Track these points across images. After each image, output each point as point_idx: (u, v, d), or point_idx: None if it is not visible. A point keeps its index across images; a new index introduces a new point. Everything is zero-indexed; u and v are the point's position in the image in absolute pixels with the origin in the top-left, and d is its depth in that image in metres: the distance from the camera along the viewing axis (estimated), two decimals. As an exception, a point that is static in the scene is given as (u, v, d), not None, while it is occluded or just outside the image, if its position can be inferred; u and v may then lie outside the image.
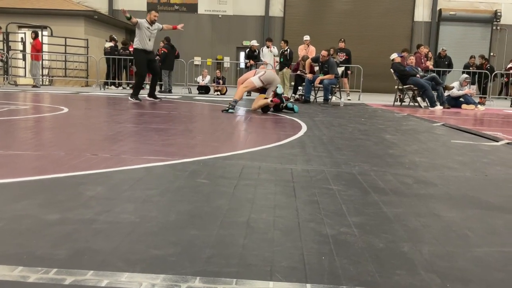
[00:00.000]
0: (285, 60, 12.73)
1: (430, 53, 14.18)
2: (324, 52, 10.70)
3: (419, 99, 11.15)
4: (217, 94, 14.39)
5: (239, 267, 1.38)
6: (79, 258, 1.41)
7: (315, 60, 11.12)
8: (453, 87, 11.27)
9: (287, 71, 12.77)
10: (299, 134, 4.75)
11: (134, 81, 10.94)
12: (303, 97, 11.12)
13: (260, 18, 21.75)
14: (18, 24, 17.21)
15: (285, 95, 8.76)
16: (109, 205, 1.97)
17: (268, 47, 13.18)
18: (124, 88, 15.86)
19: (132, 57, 11.58)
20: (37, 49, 15.26)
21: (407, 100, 11.68)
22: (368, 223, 1.87)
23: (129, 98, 9.34)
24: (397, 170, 3.03)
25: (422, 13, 21.33)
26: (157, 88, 11.94)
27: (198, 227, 1.73)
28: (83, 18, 17.80)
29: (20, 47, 17.36)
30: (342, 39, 13.87)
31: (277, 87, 7.56)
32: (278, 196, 2.24)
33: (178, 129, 4.77)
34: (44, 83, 16.72)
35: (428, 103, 10.68)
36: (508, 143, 4.56)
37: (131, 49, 13.90)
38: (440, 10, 21.04)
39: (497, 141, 4.68)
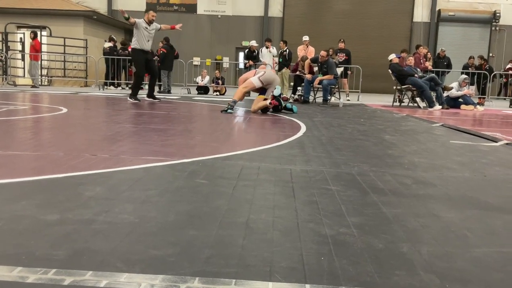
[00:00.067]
0: (284, 61, 12.73)
1: (429, 53, 14.19)
2: (323, 53, 10.71)
3: (418, 99, 11.16)
4: (216, 95, 14.39)
5: (238, 268, 1.38)
6: (78, 258, 1.40)
7: (314, 60, 11.12)
8: (452, 88, 11.28)
9: (286, 71, 12.78)
10: (298, 134, 4.75)
11: (132, 82, 10.94)
12: (302, 98, 11.13)
13: (259, 19, 21.76)
14: (17, 24, 17.20)
15: (284, 95, 8.76)
16: (108, 205, 1.97)
17: (267, 47, 13.19)
18: (123, 88, 15.85)
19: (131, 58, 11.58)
20: (36, 49, 15.25)
21: (406, 100, 11.70)
22: (367, 223, 1.87)
23: (128, 98, 9.34)
24: (396, 170, 3.03)
25: (421, 14, 21.34)
26: (156, 88, 11.94)
27: (197, 228, 1.73)
28: (82, 18, 17.79)
29: (19, 47, 17.35)
30: (342, 40, 13.88)
31: (274, 88, 7.56)
32: (277, 197, 2.24)
33: (177, 130, 4.77)
34: (43, 83, 16.72)
35: (427, 104, 10.70)
36: (507, 144, 4.56)
37: (130, 49, 13.90)
38: (439, 10, 21.06)
39: (496, 142, 4.68)
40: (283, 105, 7.64)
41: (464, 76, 11.56)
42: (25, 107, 7.34)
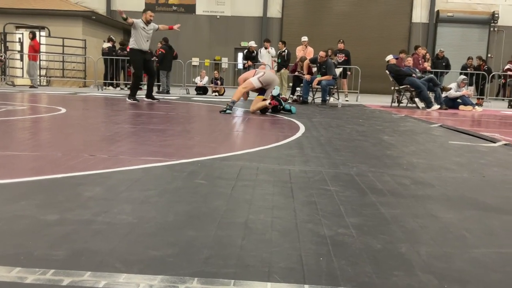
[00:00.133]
0: (283, 61, 12.74)
1: (427, 54, 14.21)
2: (322, 53, 10.72)
3: (416, 100, 11.17)
4: (215, 95, 14.39)
5: (237, 268, 1.38)
6: (77, 259, 1.40)
7: (313, 61, 11.13)
8: (450, 88, 11.29)
9: (284, 72, 12.79)
10: (297, 135, 4.75)
11: (131, 82, 10.94)
12: (301, 98, 11.14)
13: (258, 19, 21.76)
14: (16, 25, 17.18)
15: (283, 96, 8.77)
16: (107, 205, 1.97)
17: (266, 48, 13.20)
18: (122, 88, 15.84)
19: (130, 58, 11.57)
20: (35, 49, 15.24)
21: (404, 101, 11.71)
22: (366, 224, 1.87)
23: (127, 99, 9.33)
24: (395, 171, 3.04)
25: (419, 15, 21.36)
26: (155, 89, 11.93)
27: (196, 228, 1.73)
28: (81, 19, 17.78)
29: (18, 47, 17.33)
30: (341, 40, 13.89)
31: (273, 88, 7.56)
32: (276, 197, 2.24)
33: (176, 130, 4.77)
34: (41, 84, 16.70)
35: (425, 104, 10.71)
36: (505, 144, 4.57)
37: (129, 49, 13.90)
38: (437, 11, 21.08)
39: (495, 142, 4.69)
40: (282, 106, 7.64)
41: (462, 76, 11.57)
42: (23, 108, 7.34)
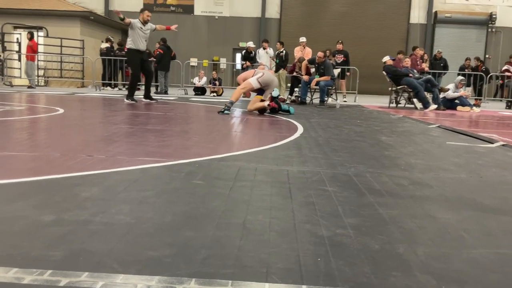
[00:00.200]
0: (281, 62, 12.74)
1: (425, 55, 14.23)
2: (320, 54, 10.73)
3: (415, 100, 11.19)
4: (213, 96, 14.39)
5: (235, 269, 1.38)
6: (74, 259, 1.40)
7: (312, 61, 11.14)
8: (448, 89, 11.31)
9: (283, 72, 12.79)
10: (295, 135, 4.75)
11: (129, 82, 10.93)
12: (299, 99, 11.14)
13: (257, 20, 21.76)
14: (14, 25, 17.15)
15: (281, 96, 8.77)
16: (105, 206, 1.97)
17: (264, 48, 13.20)
18: (120, 89, 15.83)
19: (129, 58, 11.56)
20: (33, 49, 15.21)
21: (402, 101, 11.72)
22: (364, 224, 1.87)
23: (125, 99, 9.32)
24: (393, 171, 3.04)
25: (417, 15, 21.39)
26: (153, 89, 11.92)
27: (194, 229, 1.73)
28: (79, 19, 17.75)
29: (16, 47, 17.30)
30: (340, 41, 13.90)
31: (273, 90, 7.55)
32: (274, 198, 2.24)
33: (174, 130, 4.76)
34: (39, 84, 16.67)
35: (422, 104, 10.73)
36: (503, 145, 4.58)
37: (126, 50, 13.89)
38: (435, 12, 21.12)
39: (492, 143, 4.70)
40: (281, 109, 7.63)
41: (460, 77, 11.59)
42: (21, 108, 7.32)
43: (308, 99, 11.28)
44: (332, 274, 1.37)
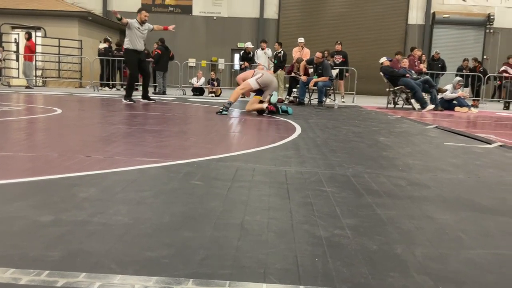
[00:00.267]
0: (279, 62, 12.75)
1: (423, 56, 14.26)
2: (318, 54, 10.74)
3: (412, 101, 11.21)
4: (212, 96, 14.39)
5: (233, 269, 1.38)
6: (72, 260, 1.40)
7: (310, 62, 11.15)
8: (446, 90, 11.33)
9: (281, 73, 12.81)
10: (293, 136, 4.75)
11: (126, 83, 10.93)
12: (297, 99, 11.15)
13: (255, 20, 21.77)
14: (12, 25, 17.12)
15: (279, 97, 8.77)
16: (103, 206, 1.97)
17: (262, 49, 13.20)
18: (118, 89, 15.82)
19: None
20: (31, 50, 15.19)
21: (400, 102, 11.74)
22: (362, 225, 1.87)
23: (123, 99, 9.32)
24: (391, 172, 3.04)
25: (415, 16, 21.43)
26: (151, 89, 11.92)
27: (192, 229, 1.73)
28: (77, 19, 17.74)
29: (14, 48, 17.27)
30: (339, 42, 13.91)
31: (271, 95, 7.51)
32: (272, 198, 2.24)
33: (172, 131, 4.76)
34: (37, 84, 16.65)
35: (419, 105, 10.75)
36: (500, 146, 4.59)
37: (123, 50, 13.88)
38: (433, 13, 21.16)
39: (490, 144, 4.71)
40: (280, 112, 7.62)
41: (458, 78, 11.62)
42: (19, 108, 7.31)
43: (306, 100, 11.29)
44: (329, 275, 1.37)
